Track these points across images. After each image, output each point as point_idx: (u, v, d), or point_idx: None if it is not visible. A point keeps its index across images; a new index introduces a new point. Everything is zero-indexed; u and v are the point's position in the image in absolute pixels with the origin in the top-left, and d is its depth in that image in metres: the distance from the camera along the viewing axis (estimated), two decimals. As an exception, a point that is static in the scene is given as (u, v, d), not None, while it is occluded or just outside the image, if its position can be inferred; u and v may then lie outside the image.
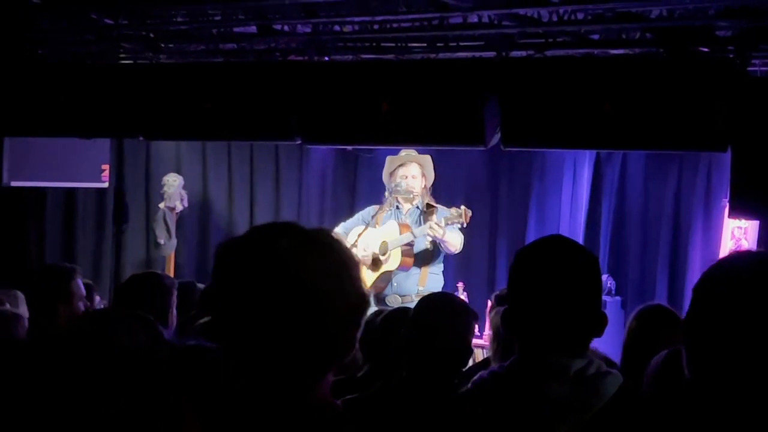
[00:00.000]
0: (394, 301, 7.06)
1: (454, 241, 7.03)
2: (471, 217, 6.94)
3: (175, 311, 4.70)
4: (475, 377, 2.45)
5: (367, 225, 7.30)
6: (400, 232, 7.20)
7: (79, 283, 4.82)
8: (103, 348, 2.78)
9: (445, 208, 7.20)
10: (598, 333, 2.35)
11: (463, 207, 6.94)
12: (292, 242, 1.69)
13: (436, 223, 6.84)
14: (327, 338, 1.69)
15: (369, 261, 7.22)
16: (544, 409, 2.25)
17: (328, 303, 1.67)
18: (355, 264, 1.78)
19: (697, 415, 1.76)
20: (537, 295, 2.33)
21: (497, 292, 5.72)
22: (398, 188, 7.25)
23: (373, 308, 6.91)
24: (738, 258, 1.92)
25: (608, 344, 7.37)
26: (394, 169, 7.39)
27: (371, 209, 7.44)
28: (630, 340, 4.17)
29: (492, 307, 5.43)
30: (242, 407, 1.69)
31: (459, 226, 6.95)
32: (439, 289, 7.08)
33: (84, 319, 3.63)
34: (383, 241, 7.24)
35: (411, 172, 7.33)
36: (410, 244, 7.17)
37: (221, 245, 1.74)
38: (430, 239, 7.07)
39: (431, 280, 7.17)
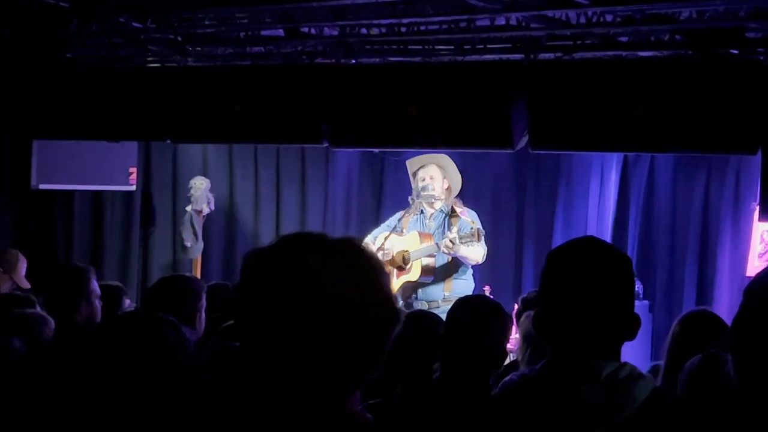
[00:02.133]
0: (421, 308, 7.04)
1: (473, 256, 7.00)
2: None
3: (204, 314, 4.70)
4: (505, 379, 2.43)
5: (393, 229, 7.28)
6: (420, 242, 7.17)
7: (95, 282, 4.86)
8: (132, 349, 2.79)
9: (473, 212, 7.17)
10: (631, 335, 2.33)
11: (477, 228, 6.89)
12: (322, 257, 1.67)
13: (450, 240, 6.82)
14: (356, 354, 1.67)
15: (392, 267, 7.21)
16: (575, 413, 2.23)
17: (357, 320, 1.65)
18: (386, 277, 1.75)
19: (746, 422, 1.73)
20: (569, 296, 2.31)
21: (524, 296, 5.69)
22: (422, 192, 7.22)
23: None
24: None
25: (634, 348, 7.32)
26: (415, 172, 7.37)
27: (398, 214, 7.42)
28: (674, 345, 4.11)
29: (518, 311, 5.41)
30: (269, 421, 1.68)
31: (474, 243, 6.91)
32: (469, 293, 7.05)
33: (113, 322, 3.64)
34: (406, 250, 7.21)
35: (430, 173, 7.28)
36: (433, 256, 7.14)
37: (248, 256, 1.72)
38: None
39: (457, 285, 7.14)
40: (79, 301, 4.67)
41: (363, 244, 1.76)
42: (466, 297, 3.89)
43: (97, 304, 4.76)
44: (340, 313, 1.63)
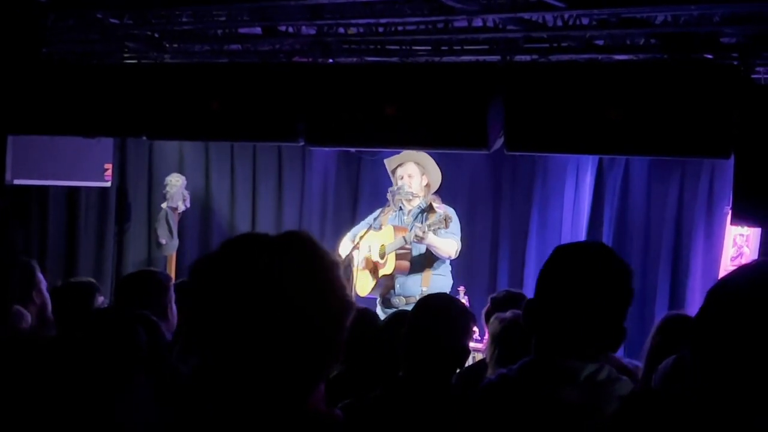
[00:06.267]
0: (399, 303, 7.10)
1: (444, 247, 7.05)
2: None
3: (174, 307, 4.71)
4: (484, 380, 2.45)
5: (370, 227, 7.31)
6: (395, 236, 7.22)
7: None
8: (105, 347, 2.79)
9: (450, 209, 7.21)
10: (615, 347, 2.34)
11: (444, 212, 6.95)
12: (268, 255, 1.67)
13: (419, 227, 6.88)
14: (312, 347, 1.67)
15: (369, 264, 7.24)
16: (554, 413, 2.24)
17: (310, 312, 1.65)
18: (334, 266, 1.73)
19: (701, 420, 1.75)
20: (567, 295, 2.31)
21: (494, 295, 5.72)
22: (400, 190, 7.26)
23: (380, 311, 6.98)
24: (761, 265, 1.88)
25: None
26: (394, 170, 7.42)
27: (376, 212, 7.46)
28: (653, 348, 4.15)
29: (488, 310, 5.43)
30: (230, 421, 1.68)
31: (444, 230, 6.95)
32: (447, 290, 7.10)
33: (86, 320, 3.64)
34: (381, 245, 7.26)
35: (408, 171, 7.35)
36: (407, 248, 7.18)
37: (196, 263, 1.72)
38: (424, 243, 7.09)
39: (435, 281, 7.18)
40: (29, 293, 4.70)
41: (306, 235, 1.75)
42: (428, 296, 3.92)
43: (46, 295, 4.80)
44: (291, 307, 1.63)
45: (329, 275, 1.70)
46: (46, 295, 4.81)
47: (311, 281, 1.66)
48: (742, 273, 1.81)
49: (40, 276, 4.86)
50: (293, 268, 1.66)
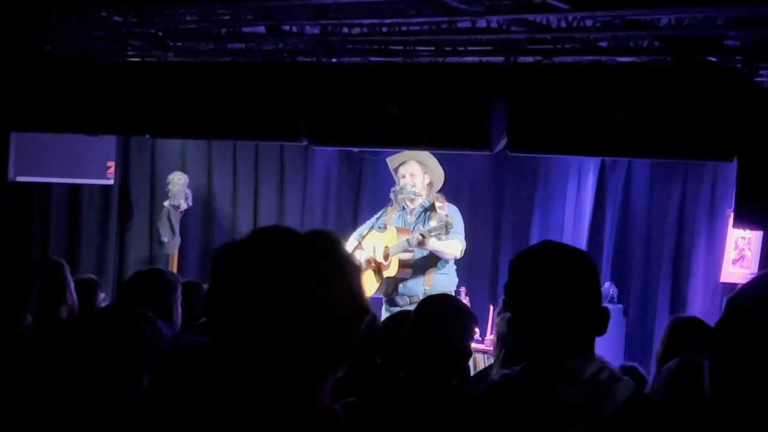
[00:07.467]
0: (403, 303, 7.11)
1: (448, 249, 7.06)
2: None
3: (180, 308, 4.70)
4: (488, 380, 2.46)
5: (372, 227, 7.31)
6: (398, 238, 7.23)
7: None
8: (108, 344, 2.79)
9: (453, 207, 7.21)
10: (601, 330, 2.36)
11: (445, 217, 6.95)
12: (290, 251, 1.68)
13: (420, 234, 6.90)
14: (324, 348, 1.67)
15: (373, 265, 7.24)
16: (556, 413, 2.25)
17: (325, 313, 1.66)
18: (356, 269, 1.74)
19: (717, 427, 1.74)
20: (536, 300, 2.35)
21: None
22: (402, 189, 7.27)
23: (385, 311, 7.00)
24: None
25: (609, 350, 7.39)
26: (396, 169, 7.42)
27: (380, 213, 7.46)
28: (664, 350, 4.15)
29: (498, 312, 5.43)
30: (239, 415, 1.69)
31: (445, 237, 6.96)
32: (451, 288, 7.11)
33: (89, 316, 3.65)
34: (386, 246, 7.26)
35: (410, 170, 7.35)
36: (409, 251, 7.19)
37: (218, 251, 1.73)
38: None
39: (438, 280, 7.19)
40: (63, 293, 4.68)
41: (333, 236, 1.76)
42: (430, 296, 3.94)
43: (75, 295, 4.77)
44: (308, 306, 1.64)
45: (348, 278, 1.70)
46: (75, 295, 4.80)
47: (329, 282, 1.66)
48: (763, 281, 1.80)
49: (69, 276, 4.84)
50: (312, 267, 1.66)
